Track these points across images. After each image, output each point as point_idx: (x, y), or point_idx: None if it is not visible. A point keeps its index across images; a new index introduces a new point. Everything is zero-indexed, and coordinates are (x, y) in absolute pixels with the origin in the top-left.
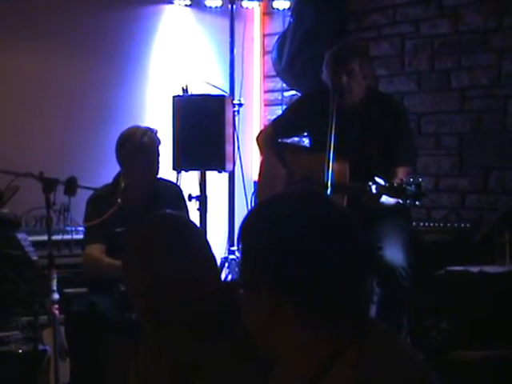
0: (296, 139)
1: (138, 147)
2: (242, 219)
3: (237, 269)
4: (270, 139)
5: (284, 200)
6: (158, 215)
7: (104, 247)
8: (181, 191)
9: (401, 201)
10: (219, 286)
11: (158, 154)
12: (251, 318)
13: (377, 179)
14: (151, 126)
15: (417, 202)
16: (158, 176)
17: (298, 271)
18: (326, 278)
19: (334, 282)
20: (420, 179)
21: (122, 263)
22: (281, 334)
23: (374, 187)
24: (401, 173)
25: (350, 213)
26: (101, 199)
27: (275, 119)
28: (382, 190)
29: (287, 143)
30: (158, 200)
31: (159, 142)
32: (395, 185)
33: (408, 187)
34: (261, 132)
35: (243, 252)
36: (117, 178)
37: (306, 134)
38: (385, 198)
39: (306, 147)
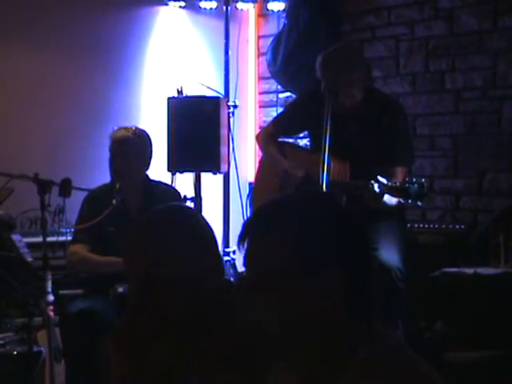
0: (291, 140)
1: (113, 141)
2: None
3: (232, 270)
4: (270, 138)
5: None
6: (169, 206)
7: (88, 248)
8: (179, 195)
9: (402, 200)
10: (221, 282)
11: (140, 150)
12: (293, 305)
13: (380, 178)
14: (145, 127)
15: (419, 203)
16: (157, 179)
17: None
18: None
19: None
20: (422, 179)
21: (125, 252)
22: (315, 325)
23: (376, 186)
24: (399, 173)
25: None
26: (96, 199)
27: (275, 118)
28: (384, 189)
29: (286, 142)
30: (155, 203)
31: (144, 140)
32: (398, 184)
33: (411, 186)
34: (260, 131)
35: (278, 240)
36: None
37: (306, 132)
38: (387, 198)
39: (304, 147)
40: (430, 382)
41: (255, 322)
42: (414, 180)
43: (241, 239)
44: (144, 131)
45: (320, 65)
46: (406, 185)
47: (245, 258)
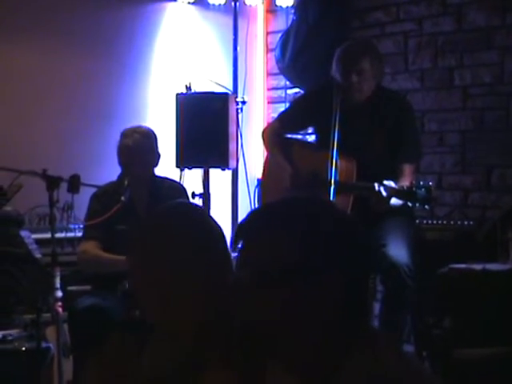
0: (299, 136)
1: (122, 142)
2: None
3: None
4: (275, 135)
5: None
6: (177, 204)
7: (99, 245)
8: (185, 191)
9: (410, 204)
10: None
11: (149, 150)
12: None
13: (385, 182)
14: (153, 124)
15: (426, 206)
16: (163, 175)
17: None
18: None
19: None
20: (430, 183)
21: (132, 252)
22: (316, 328)
23: (383, 189)
24: (407, 170)
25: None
26: (104, 196)
27: (281, 114)
28: (391, 193)
29: (293, 139)
30: (161, 199)
31: (151, 139)
32: (405, 188)
33: (418, 191)
34: (266, 127)
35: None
36: (121, 176)
37: (311, 129)
38: (394, 201)
39: (312, 143)
40: (425, 380)
41: (254, 320)
42: (422, 184)
43: (236, 237)
44: (150, 130)
45: (334, 59)
46: (414, 189)
47: (242, 256)
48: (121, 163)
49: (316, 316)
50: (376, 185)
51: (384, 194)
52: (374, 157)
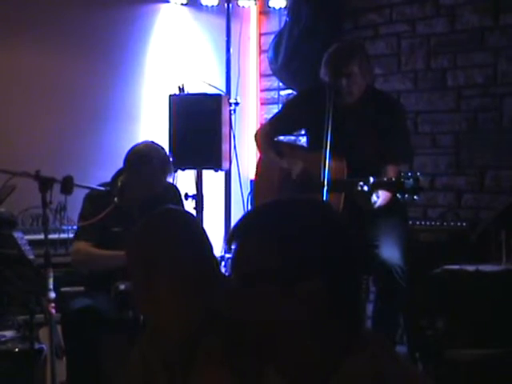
0: (292, 138)
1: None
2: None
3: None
4: (267, 137)
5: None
6: (162, 209)
7: (92, 245)
8: (179, 192)
9: (399, 195)
10: (218, 280)
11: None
12: (282, 312)
13: (371, 178)
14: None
15: (415, 197)
16: None
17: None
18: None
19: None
20: (418, 173)
21: (125, 250)
22: (306, 330)
23: (362, 183)
24: (391, 171)
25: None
26: (98, 197)
27: (272, 117)
28: (379, 185)
29: (284, 142)
30: (156, 201)
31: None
32: (393, 179)
33: (406, 181)
34: (258, 130)
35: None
36: (115, 177)
37: (303, 130)
38: (378, 199)
39: (302, 146)
40: (418, 381)
41: (245, 322)
42: (410, 174)
43: (230, 239)
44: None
45: (323, 63)
46: (402, 179)
47: (234, 258)
48: (130, 181)
49: (305, 318)
50: (358, 180)
51: (366, 189)
52: (364, 157)
